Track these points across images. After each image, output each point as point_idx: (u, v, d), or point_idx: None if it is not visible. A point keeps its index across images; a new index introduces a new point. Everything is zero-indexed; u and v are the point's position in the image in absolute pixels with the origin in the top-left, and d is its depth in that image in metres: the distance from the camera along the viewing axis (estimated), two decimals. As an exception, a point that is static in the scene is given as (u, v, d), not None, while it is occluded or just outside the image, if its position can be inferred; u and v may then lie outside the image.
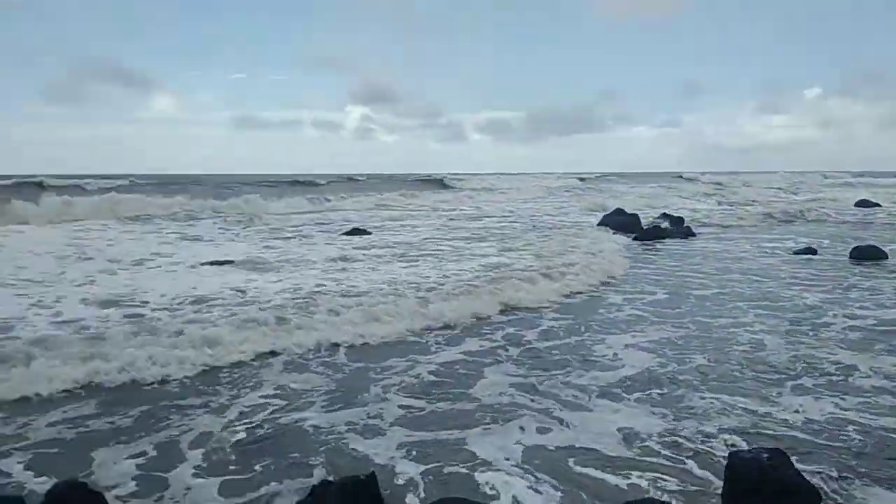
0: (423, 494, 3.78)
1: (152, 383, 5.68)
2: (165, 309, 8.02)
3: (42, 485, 3.78)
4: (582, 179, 59.48)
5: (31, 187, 33.34)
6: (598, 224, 19.39)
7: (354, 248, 14.27)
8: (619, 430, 4.68)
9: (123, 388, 5.57)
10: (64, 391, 5.38)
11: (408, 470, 4.08)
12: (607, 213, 21.03)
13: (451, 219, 23.08)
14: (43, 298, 8.54)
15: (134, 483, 3.92)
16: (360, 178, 56.12)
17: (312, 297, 8.62)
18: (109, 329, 6.89)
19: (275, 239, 16.73)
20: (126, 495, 3.76)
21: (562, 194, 41.59)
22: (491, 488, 3.85)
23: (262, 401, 5.33)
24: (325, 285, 9.61)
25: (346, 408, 5.20)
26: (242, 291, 9.16)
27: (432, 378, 5.94)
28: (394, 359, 6.50)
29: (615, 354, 6.61)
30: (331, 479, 3.74)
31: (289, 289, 9.29)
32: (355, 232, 17.69)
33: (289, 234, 17.79)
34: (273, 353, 6.56)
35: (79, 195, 28.64)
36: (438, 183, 52.42)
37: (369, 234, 17.55)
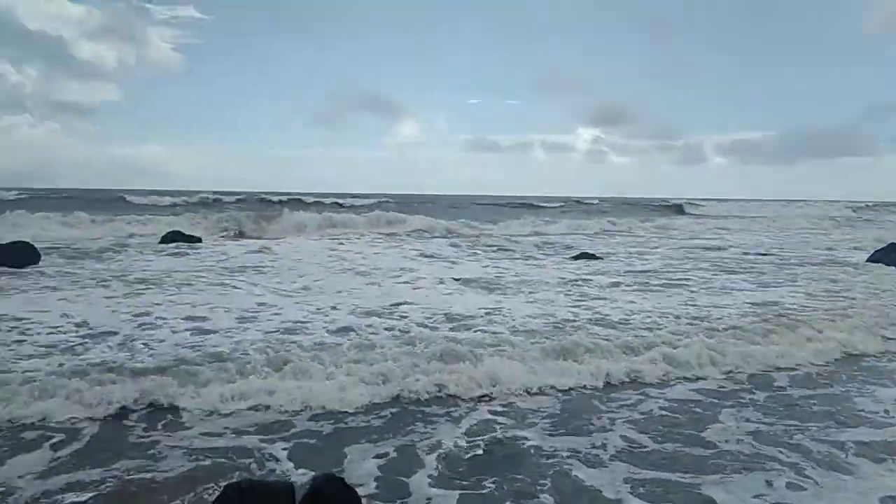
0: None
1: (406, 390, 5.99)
2: (424, 325, 8.40)
3: (300, 476, 4.23)
4: (855, 210, 52.52)
5: (298, 203, 38.37)
6: (868, 260, 17.01)
7: (587, 274, 14.09)
8: (883, 497, 4.09)
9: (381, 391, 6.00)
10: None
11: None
12: (880, 247, 18.30)
13: (689, 247, 21.83)
14: (321, 306, 9.53)
15: (375, 484, 4.23)
16: (590, 202, 55.66)
17: (563, 323, 8.58)
18: (376, 339, 7.50)
19: (504, 259, 17.23)
20: (366, 495, 4.01)
21: (822, 224, 37.30)
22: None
23: (490, 416, 5.50)
24: (576, 312, 9.41)
25: (568, 434, 5.17)
26: (493, 312, 9.30)
27: (662, 414, 5.68)
28: (624, 390, 6.33)
29: (885, 411, 5.75)
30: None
31: (539, 314, 9.19)
32: (584, 256, 17.53)
33: (517, 256, 18.19)
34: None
35: (335, 212, 32.35)
36: (675, 208, 50.00)
37: (599, 259, 17.29)
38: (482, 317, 8.96)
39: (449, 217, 30.77)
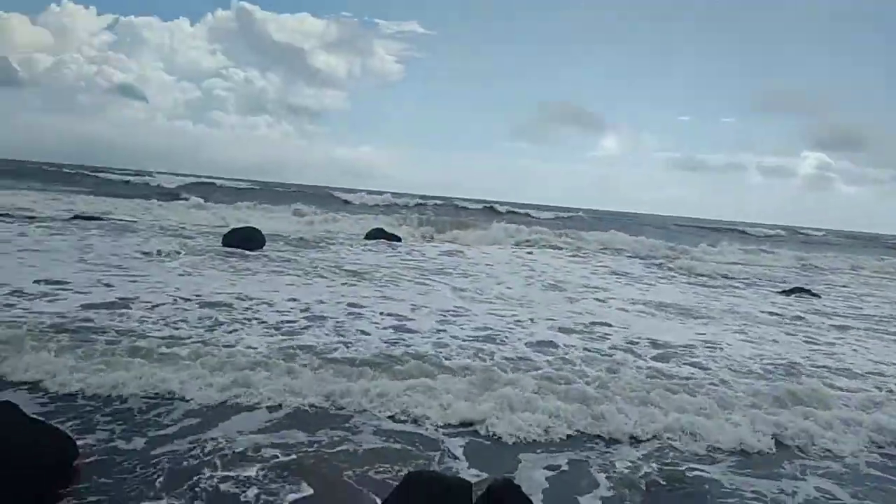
0: None
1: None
2: (629, 351, 8.02)
3: (471, 475, 4.28)
4: None
5: (492, 211, 39.37)
6: None
7: (802, 311, 12.86)
8: None
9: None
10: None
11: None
12: None
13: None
14: (518, 317, 9.63)
15: (542, 496, 4.19)
16: (809, 232, 50.54)
17: (793, 366, 7.90)
18: (576, 357, 7.45)
19: (704, 286, 16.31)
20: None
21: None
22: None
23: (670, 442, 5.26)
24: (808, 356, 8.55)
25: (754, 475, 4.82)
26: (703, 344, 8.69)
27: (870, 472, 5.07)
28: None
29: None
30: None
31: (762, 354, 8.41)
32: (798, 291, 16.00)
33: (719, 284, 17.15)
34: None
35: (528, 222, 32.66)
36: (912, 248, 43.59)
37: (817, 296, 15.66)
38: (694, 348, 8.43)
39: (646, 236, 29.63)
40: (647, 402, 5.87)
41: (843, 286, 19.52)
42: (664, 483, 4.57)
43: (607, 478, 4.54)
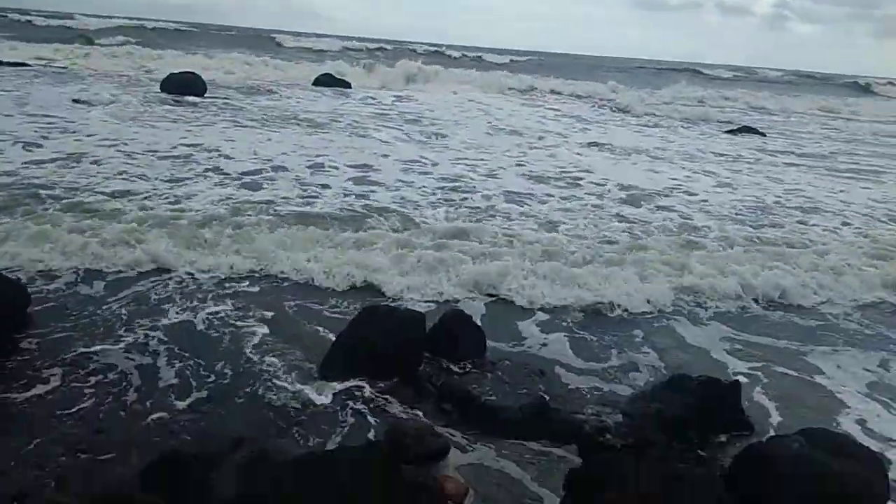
0: (764, 396, 3.77)
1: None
2: (601, 196, 8.17)
3: (424, 308, 4.47)
4: None
5: (443, 56, 38.06)
6: None
7: (755, 150, 13.46)
8: None
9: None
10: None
11: (738, 367, 4.12)
12: None
13: (877, 132, 19.82)
14: (488, 166, 9.50)
15: (481, 323, 4.29)
16: (762, 72, 50.48)
17: (771, 208, 8.28)
18: (549, 207, 7.48)
19: (653, 128, 16.65)
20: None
21: None
22: (840, 404, 3.75)
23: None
24: (780, 197, 8.92)
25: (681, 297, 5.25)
26: (675, 189, 8.89)
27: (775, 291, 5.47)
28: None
29: None
30: (663, 368, 4.00)
31: (738, 199, 8.64)
32: (746, 130, 16.53)
33: (674, 125, 17.56)
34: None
35: (482, 67, 31.92)
36: (859, 88, 44.14)
37: (762, 134, 16.24)
38: (662, 193, 8.63)
39: (602, 79, 29.31)
40: (612, 251, 5.99)
41: (785, 125, 20.10)
42: (594, 310, 4.87)
43: (541, 309, 4.80)
